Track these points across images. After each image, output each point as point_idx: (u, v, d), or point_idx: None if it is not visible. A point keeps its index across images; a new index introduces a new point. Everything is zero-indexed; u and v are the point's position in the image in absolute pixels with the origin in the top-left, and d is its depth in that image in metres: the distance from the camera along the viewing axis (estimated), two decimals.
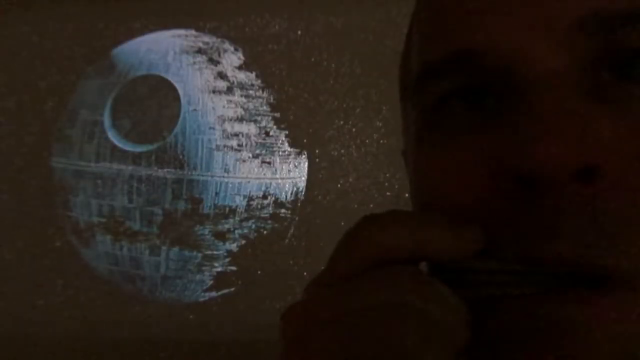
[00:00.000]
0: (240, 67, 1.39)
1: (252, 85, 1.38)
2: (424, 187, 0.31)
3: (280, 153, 1.36)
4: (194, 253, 1.35)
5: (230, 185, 1.34)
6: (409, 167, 0.35)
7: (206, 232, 1.34)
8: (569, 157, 0.23)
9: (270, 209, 1.35)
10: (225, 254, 1.36)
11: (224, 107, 1.35)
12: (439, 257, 0.26)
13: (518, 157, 0.24)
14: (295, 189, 1.36)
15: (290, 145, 1.36)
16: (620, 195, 0.24)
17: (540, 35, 0.26)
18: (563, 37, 0.25)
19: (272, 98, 1.38)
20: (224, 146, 1.34)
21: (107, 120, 1.38)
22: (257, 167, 1.34)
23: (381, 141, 1.33)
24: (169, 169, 1.34)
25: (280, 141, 1.36)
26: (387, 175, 1.32)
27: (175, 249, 1.35)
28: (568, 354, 0.25)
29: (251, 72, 1.39)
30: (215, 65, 1.38)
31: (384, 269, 0.25)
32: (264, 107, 1.37)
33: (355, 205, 1.32)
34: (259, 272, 1.36)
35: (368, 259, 0.26)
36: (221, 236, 1.35)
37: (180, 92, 1.36)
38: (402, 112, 0.37)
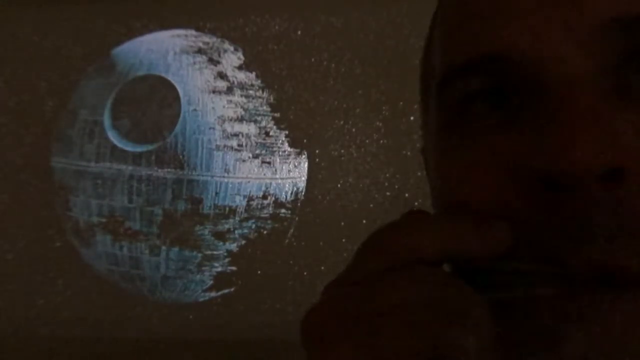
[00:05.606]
0: (240, 67, 1.39)
1: (252, 85, 1.38)
2: (446, 187, 0.31)
3: (280, 153, 1.36)
4: (194, 253, 1.35)
5: (230, 185, 1.34)
6: (428, 166, 0.34)
7: (206, 232, 1.34)
8: (597, 160, 0.23)
9: (270, 209, 1.35)
10: (225, 254, 1.36)
11: (224, 107, 1.35)
12: (466, 257, 0.26)
13: (545, 160, 0.24)
14: (295, 189, 1.36)
15: (290, 145, 1.36)
16: None
17: (564, 38, 0.26)
18: (586, 39, 0.26)
19: (272, 98, 1.38)
20: (224, 146, 1.34)
21: (107, 120, 1.37)
22: (257, 167, 1.34)
23: (381, 141, 1.33)
24: (169, 169, 1.33)
25: (280, 141, 1.36)
26: (387, 175, 1.31)
27: (175, 249, 1.35)
28: (595, 354, 0.25)
29: (251, 72, 1.39)
30: (215, 65, 1.38)
31: (408, 269, 0.25)
32: (264, 107, 1.37)
33: (355, 205, 1.31)
34: (259, 272, 1.36)
35: (393, 259, 0.26)
36: (221, 236, 1.35)
37: (180, 92, 1.35)
38: (422, 110, 0.37)
